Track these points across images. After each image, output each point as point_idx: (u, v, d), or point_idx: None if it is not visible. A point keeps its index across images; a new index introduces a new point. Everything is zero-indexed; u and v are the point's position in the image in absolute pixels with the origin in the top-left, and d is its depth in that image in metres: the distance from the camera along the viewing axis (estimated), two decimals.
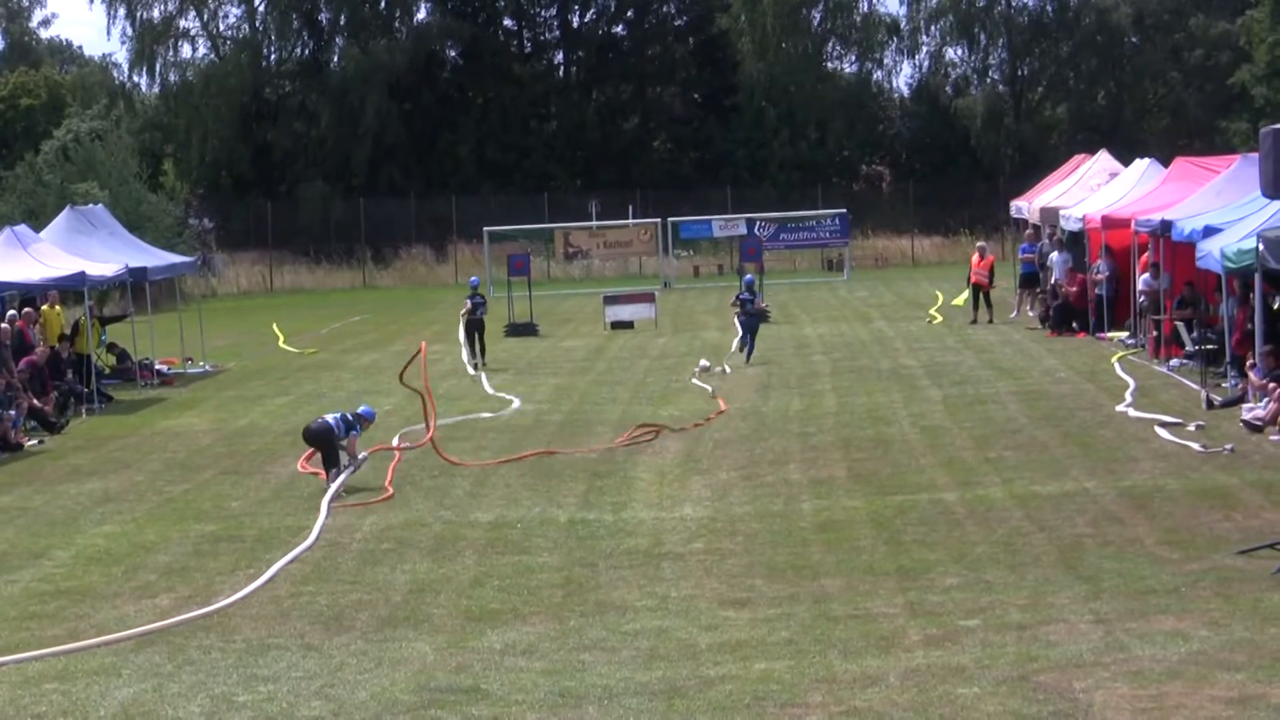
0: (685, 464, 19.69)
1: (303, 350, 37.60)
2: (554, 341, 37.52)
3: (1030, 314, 36.76)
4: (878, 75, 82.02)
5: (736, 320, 32.70)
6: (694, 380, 28.06)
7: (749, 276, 36.05)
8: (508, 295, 40.59)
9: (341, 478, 18.51)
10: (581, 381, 29.05)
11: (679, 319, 42.45)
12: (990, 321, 36.11)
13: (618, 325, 39.29)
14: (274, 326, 43.64)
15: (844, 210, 58.89)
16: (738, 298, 32.51)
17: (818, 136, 78.28)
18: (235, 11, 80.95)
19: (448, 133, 79.79)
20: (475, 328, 32.34)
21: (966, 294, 38.52)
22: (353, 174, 76.39)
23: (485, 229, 57.33)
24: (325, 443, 18.79)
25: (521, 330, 38.88)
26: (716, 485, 18.18)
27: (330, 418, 19.00)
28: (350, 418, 19.12)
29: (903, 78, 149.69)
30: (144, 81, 79.93)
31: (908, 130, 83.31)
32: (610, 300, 40.61)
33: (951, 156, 77.87)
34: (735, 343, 32.32)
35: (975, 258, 37.63)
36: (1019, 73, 79.96)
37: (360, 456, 19.10)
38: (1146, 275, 29.07)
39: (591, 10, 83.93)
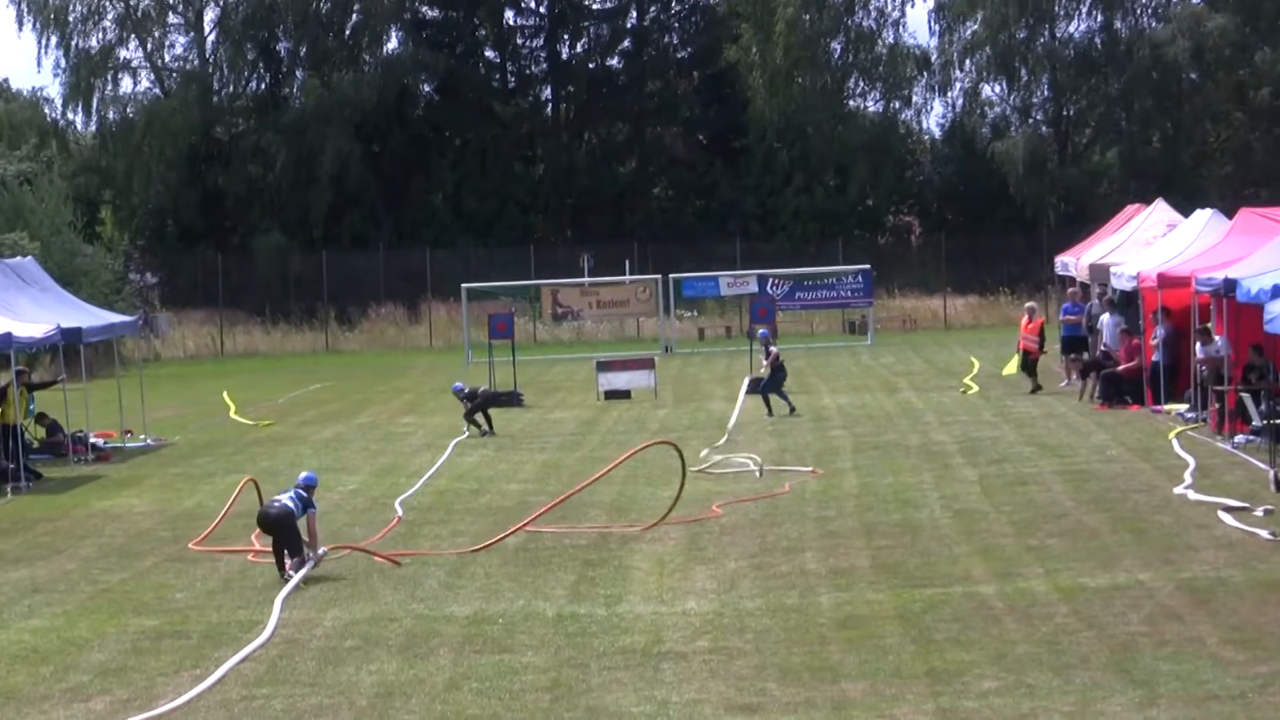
0: (688, 552, 19.71)
1: (257, 422, 37.64)
2: (540, 413, 37.56)
3: (1078, 381, 36.87)
4: (905, 115, 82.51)
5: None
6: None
7: (763, 331, 36.73)
8: (488, 360, 40.69)
9: (304, 571, 18.50)
10: (571, 458, 29.09)
11: (682, 388, 42.52)
12: (1033, 391, 36.12)
13: (612, 395, 39.36)
14: (224, 395, 43.70)
15: (867, 266, 59.13)
16: (766, 352, 35.15)
17: (838, 183, 78.63)
18: (182, 41, 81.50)
19: (421, 178, 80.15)
20: (490, 402, 33.34)
21: (1016, 361, 38.29)
22: (313, 223, 76.64)
23: (463, 286, 57.52)
24: (287, 528, 18.80)
25: (504, 400, 38.91)
26: (723, 576, 18.19)
27: (287, 499, 19.02)
28: (304, 495, 19.17)
29: (934, 117, 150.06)
30: (79, 119, 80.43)
31: (939, 176, 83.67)
32: (604, 366, 40.71)
33: (989, 206, 78.14)
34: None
35: (1024, 320, 37.69)
36: (1064, 113, 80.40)
37: (321, 551, 19.06)
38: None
39: (583, 41, 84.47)
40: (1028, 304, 40.46)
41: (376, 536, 21.29)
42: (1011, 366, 38.47)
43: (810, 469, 26.06)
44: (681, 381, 44.54)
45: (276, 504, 19.00)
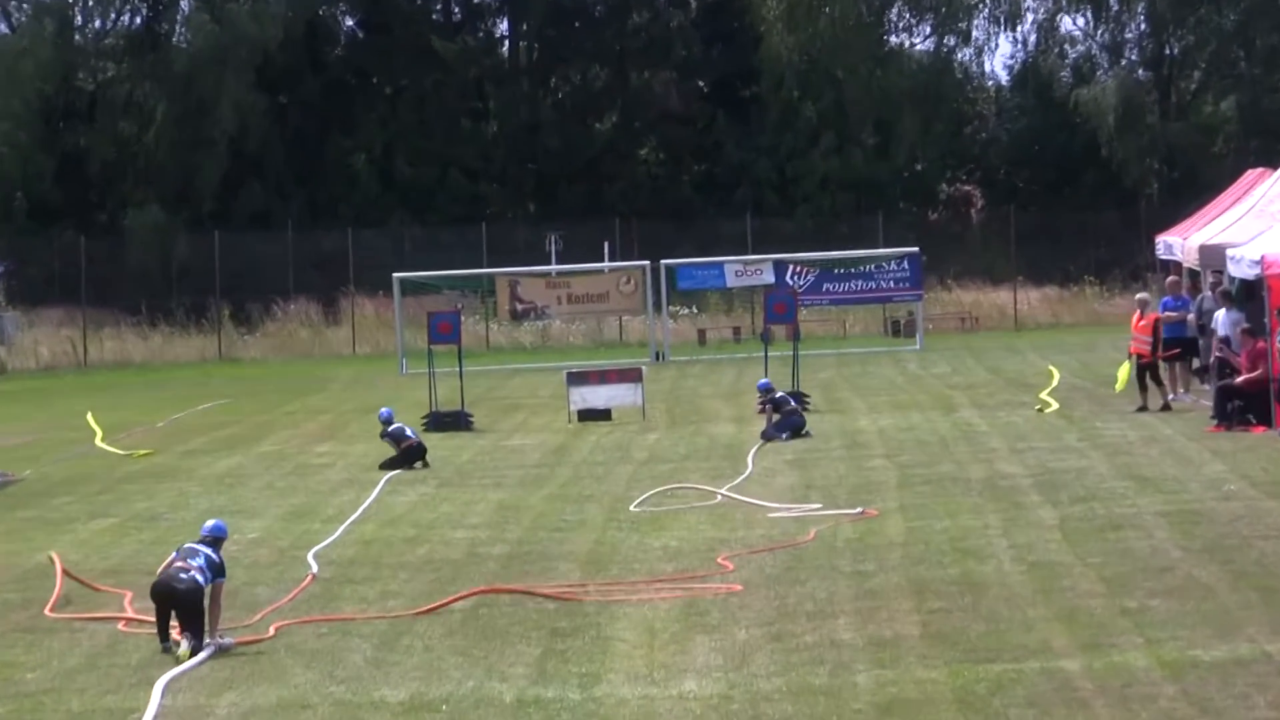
0: (686, 618, 19.67)
1: (131, 452, 37.57)
2: (495, 439, 37.53)
3: (1186, 396, 36.81)
4: (963, 54, 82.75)
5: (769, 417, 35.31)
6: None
7: (764, 381, 36.97)
8: (428, 371, 40.63)
9: (199, 659, 18.34)
10: (535, 497, 29.06)
11: (677, 406, 42.51)
12: (1142, 407, 36.01)
13: (588, 415, 39.32)
14: (89, 417, 43.62)
15: (916, 249, 59.16)
16: (765, 402, 35.64)
17: (877, 143, 78.77)
18: None
19: (340, 137, 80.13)
20: (416, 456, 33.16)
21: (1127, 369, 37.86)
22: (202, 196, 76.61)
23: (395, 276, 57.44)
24: (195, 605, 18.64)
25: (448, 422, 38.87)
26: (732, 648, 18.16)
27: (194, 567, 18.75)
28: (216, 558, 18.97)
29: (999, 58, 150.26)
30: None
31: (1007, 134, 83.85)
32: (577, 379, 40.67)
33: (1071, 172, 78.30)
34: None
35: (1135, 316, 37.44)
36: (1166, 52, 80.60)
37: (227, 641, 18.87)
38: None
39: None
40: (1139, 295, 40.31)
41: (285, 599, 21.22)
42: (1123, 378, 37.87)
43: (860, 509, 26.04)
44: (677, 398, 44.51)
45: (185, 576, 18.68)
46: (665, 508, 27.29)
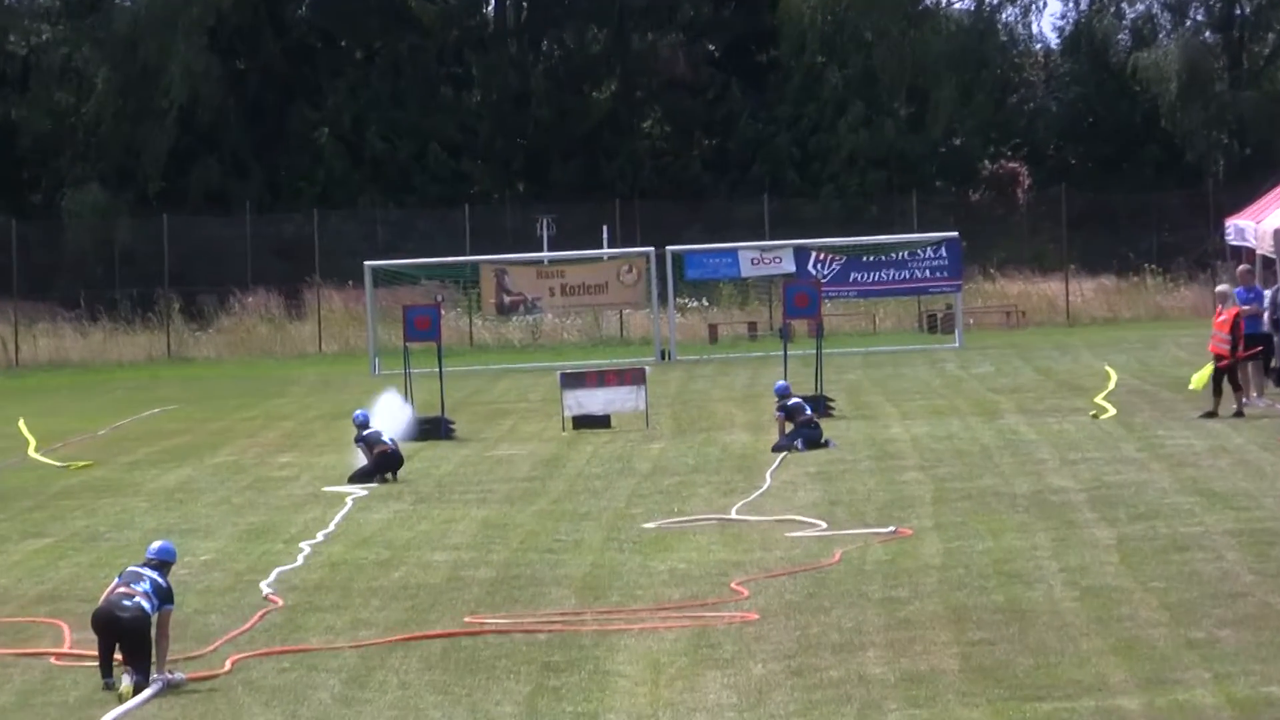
0: (695, 650, 19.67)
1: (68, 464, 37.57)
2: (479, 449, 37.55)
3: (1259, 401, 36.78)
4: (1008, 14, 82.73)
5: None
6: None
7: (781, 383, 36.78)
8: (404, 372, 40.65)
9: (145, 695, 18.33)
10: (524, 514, 29.06)
11: (685, 411, 42.51)
12: (1211, 413, 35.98)
13: (584, 422, 39.33)
14: (20, 424, 43.62)
15: (954, 234, 59.11)
16: (781, 407, 35.23)
17: (911, 114, 78.71)
18: None
19: (304, 108, 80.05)
20: (392, 464, 33.17)
21: (1209, 370, 37.63)
22: (149, 175, 76.53)
23: (366, 264, 57.40)
24: (141, 637, 18.62)
25: (427, 430, 38.87)
26: (747, 685, 18.15)
27: (139, 593, 18.74)
28: (163, 582, 18.95)
29: (1049, 19, 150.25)
30: None
31: (1058, 104, 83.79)
32: (572, 381, 40.68)
33: (1129, 146, 78.27)
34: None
35: (1217, 311, 37.27)
36: (1236, 11, 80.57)
37: (176, 676, 18.87)
38: None
39: None
40: (1218, 287, 40.16)
41: (242, 629, 21.21)
42: (1202, 377, 37.63)
43: (891, 528, 26.02)
44: (684, 402, 44.51)
45: (129, 603, 18.62)
46: (672, 525, 27.29)
